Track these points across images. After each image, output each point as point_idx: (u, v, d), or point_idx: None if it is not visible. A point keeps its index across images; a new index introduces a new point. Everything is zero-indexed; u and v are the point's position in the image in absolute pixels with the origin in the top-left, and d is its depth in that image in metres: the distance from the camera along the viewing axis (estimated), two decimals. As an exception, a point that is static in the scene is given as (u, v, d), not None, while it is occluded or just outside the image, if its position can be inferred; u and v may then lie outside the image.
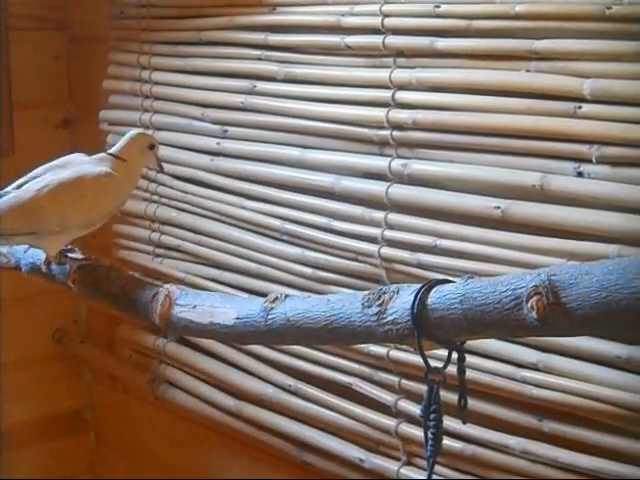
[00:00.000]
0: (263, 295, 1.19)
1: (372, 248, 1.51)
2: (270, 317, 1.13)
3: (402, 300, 1.02)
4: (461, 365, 1.05)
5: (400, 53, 1.47)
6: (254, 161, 1.70)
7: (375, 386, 1.57)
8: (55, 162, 1.37)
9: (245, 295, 1.68)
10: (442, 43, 1.41)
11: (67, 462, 2.28)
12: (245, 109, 1.71)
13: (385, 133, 1.49)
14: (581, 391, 1.29)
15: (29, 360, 2.20)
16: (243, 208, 1.74)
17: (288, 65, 1.64)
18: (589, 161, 1.26)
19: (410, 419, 1.51)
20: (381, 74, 1.49)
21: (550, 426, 1.34)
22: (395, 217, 1.49)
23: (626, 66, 1.22)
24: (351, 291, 1.42)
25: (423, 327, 1.00)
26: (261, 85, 1.68)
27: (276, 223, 1.67)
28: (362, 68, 1.53)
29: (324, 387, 1.65)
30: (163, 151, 1.88)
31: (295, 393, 1.69)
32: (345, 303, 1.07)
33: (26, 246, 1.43)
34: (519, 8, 1.31)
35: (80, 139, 2.18)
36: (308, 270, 1.62)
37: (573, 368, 1.30)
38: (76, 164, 1.37)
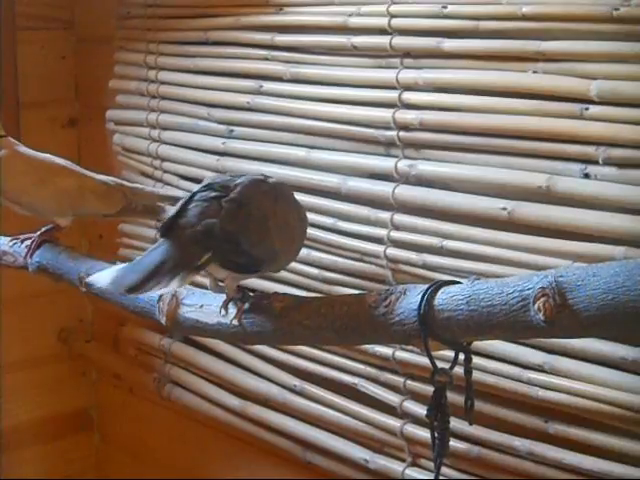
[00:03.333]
0: (270, 295, 1.19)
1: (378, 249, 1.51)
2: (276, 318, 1.13)
3: (409, 301, 1.02)
4: (468, 366, 1.05)
5: (407, 54, 1.47)
6: (260, 161, 1.70)
7: (380, 387, 1.56)
8: None
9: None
10: (449, 44, 1.41)
11: (72, 461, 2.28)
12: (251, 109, 1.71)
13: (392, 134, 1.49)
14: (587, 393, 1.29)
15: (34, 359, 2.20)
16: (249, 208, 1.73)
17: (295, 65, 1.64)
18: (596, 162, 1.26)
19: (415, 420, 1.51)
20: (388, 75, 1.49)
21: (556, 428, 1.34)
22: (401, 218, 1.49)
23: (633, 67, 1.22)
24: (357, 292, 1.42)
25: (430, 328, 1.00)
26: (267, 85, 1.68)
27: (282, 223, 1.67)
28: (369, 69, 1.53)
29: (329, 387, 1.65)
30: (169, 151, 1.89)
31: (300, 393, 1.69)
32: (352, 304, 1.07)
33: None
34: (526, 9, 1.31)
35: (86, 139, 2.18)
36: (314, 270, 1.62)
37: (579, 370, 1.30)
38: None
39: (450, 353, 1.05)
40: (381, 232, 1.51)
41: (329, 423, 1.65)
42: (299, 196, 1.63)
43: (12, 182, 1.42)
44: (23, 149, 1.45)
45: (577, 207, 1.28)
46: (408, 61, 1.47)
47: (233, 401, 1.82)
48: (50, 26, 2.14)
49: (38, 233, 1.46)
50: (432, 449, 1.08)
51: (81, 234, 2.12)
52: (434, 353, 1.03)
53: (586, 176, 1.27)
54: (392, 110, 1.48)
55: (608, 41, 1.24)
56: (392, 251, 1.49)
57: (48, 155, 1.46)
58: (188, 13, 1.84)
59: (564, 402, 1.31)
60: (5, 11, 2.06)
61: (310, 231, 1.61)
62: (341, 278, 1.58)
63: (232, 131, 1.75)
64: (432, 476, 1.09)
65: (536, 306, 0.92)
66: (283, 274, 1.67)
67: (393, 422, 1.55)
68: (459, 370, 1.06)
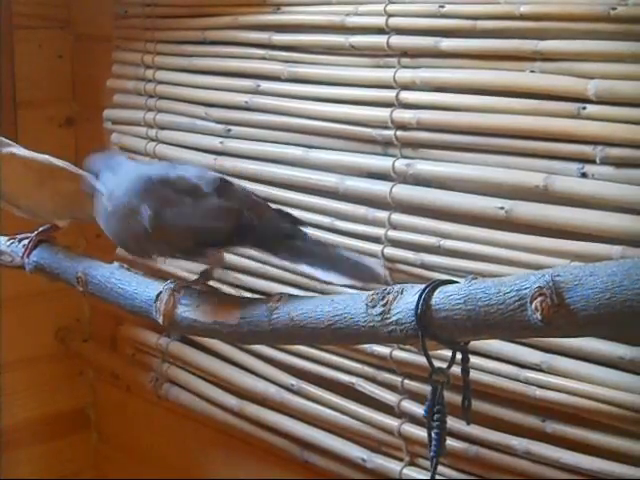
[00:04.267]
0: (267, 295, 1.19)
1: (376, 248, 1.51)
2: (274, 317, 1.13)
3: (406, 300, 1.02)
4: (465, 366, 1.05)
5: (404, 53, 1.47)
6: (258, 161, 1.70)
7: (378, 386, 1.56)
8: None
9: (249, 294, 1.68)
10: (446, 43, 1.41)
11: (69, 461, 2.28)
12: (249, 109, 1.71)
13: (389, 133, 1.49)
14: (584, 392, 1.29)
15: (32, 359, 2.20)
16: (246, 207, 1.73)
17: (292, 65, 1.64)
18: (593, 162, 1.26)
19: (413, 419, 1.51)
20: (385, 74, 1.49)
21: (553, 427, 1.34)
22: (399, 217, 1.49)
23: (631, 67, 1.22)
24: (355, 291, 1.42)
25: (427, 327, 1.00)
26: (265, 85, 1.68)
27: (279, 223, 1.67)
28: (366, 68, 1.53)
29: (327, 387, 1.65)
30: (167, 150, 1.89)
31: (298, 392, 1.69)
32: (349, 303, 1.07)
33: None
34: (524, 9, 1.31)
35: (84, 138, 2.18)
36: (311, 270, 1.62)
37: (576, 369, 1.30)
38: None
39: (448, 352, 1.05)
40: (378, 231, 1.51)
41: (327, 422, 1.65)
42: (297, 195, 1.64)
43: (11, 184, 1.42)
44: (17, 149, 1.45)
45: (574, 206, 1.28)
46: (405, 60, 1.47)
47: (230, 400, 1.82)
48: (47, 25, 2.14)
49: (35, 233, 1.46)
50: (429, 448, 1.08)
51: (78, 233, 2.12)
52: (431, 352, 1.03)
53: (583, 175, 1.27)
54: (389, 109, 1.48)
55: (605, 40, 1.25)
56: (389, 250, 1.49)
57: (47, 156, 1.46)
58: (186, 12, 1.84)
59: (562, 401, 1.31)
60: (2, 10, 2.06)
61: (308, 230, 1.61)
62: (338, 277, 1.58)
63: (230, 130, 1.75)
64: (429, 475, 1.09)
65: (533, 305, 0.92)
66: (281, 273, 1.67)
67: (391, 421, 1.55)
68: (456, 369, 1.06)
